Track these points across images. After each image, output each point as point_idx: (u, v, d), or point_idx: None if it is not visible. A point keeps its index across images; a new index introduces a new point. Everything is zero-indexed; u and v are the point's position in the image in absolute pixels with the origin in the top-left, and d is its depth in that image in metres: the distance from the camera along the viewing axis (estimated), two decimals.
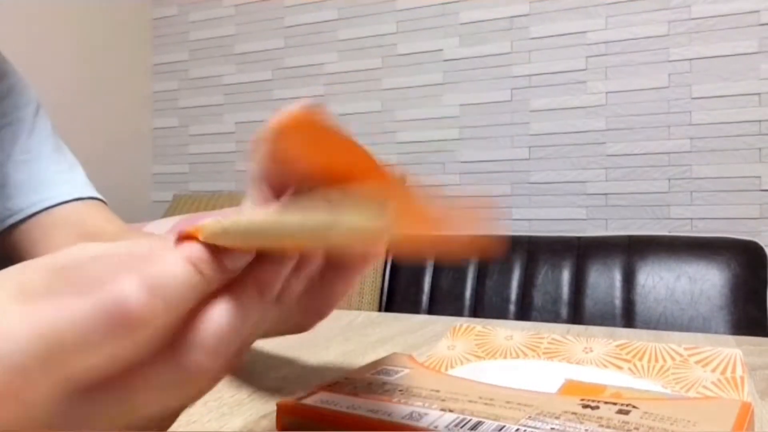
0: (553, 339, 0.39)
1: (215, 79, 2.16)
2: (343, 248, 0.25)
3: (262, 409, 0.32)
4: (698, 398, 0.29)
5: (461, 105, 1.80)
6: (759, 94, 1.52)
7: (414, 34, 1.87)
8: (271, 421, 0.30)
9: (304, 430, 0.27)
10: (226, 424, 0.29)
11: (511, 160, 1.75)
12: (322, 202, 0.20)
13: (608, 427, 0.24)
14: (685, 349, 0.35)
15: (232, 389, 0.35)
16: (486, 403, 0.27)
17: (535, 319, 1.45)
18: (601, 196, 1.66)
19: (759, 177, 1.52)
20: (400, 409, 0.26)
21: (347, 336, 0.53)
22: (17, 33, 1.81)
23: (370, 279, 1.59)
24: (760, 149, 1.52)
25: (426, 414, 0.25)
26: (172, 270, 0.18)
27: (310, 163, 0.24)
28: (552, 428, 0.23)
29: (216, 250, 0.19)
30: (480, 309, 1.51)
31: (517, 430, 0.23)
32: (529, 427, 0.24)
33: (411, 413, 0.26)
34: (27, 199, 0.58)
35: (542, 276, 1.49)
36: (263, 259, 0.20)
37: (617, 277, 1.43)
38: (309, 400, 0.27)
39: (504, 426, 0.24)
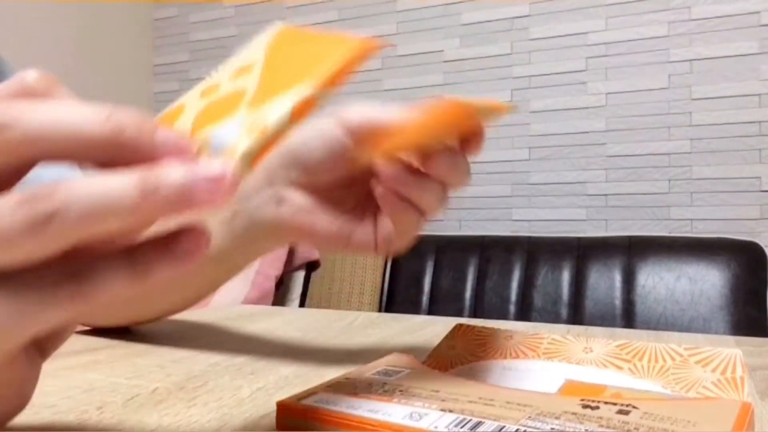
0: (553, 339, 0.39)
1: None
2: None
3: (262, 409, 0.32)
4: (698, 398, 0.29)
5: None
6: (759, 95, 1.52)
7: (415, 35, 1.87)
8: (271, 421, 0.30)
9: (304, 430, 0.27)
10: (226, 424, 0.29)
11: (512, 160, 1.75)
12: None
13: (608, 427, 0.24)
14: (685, 349, 0.35)
15: (232, 389, 0.35)
16: (486, 404, 0.27)
17: (535, 320, 1.45)
18: (602, 196, 1.66)
19: (759, 178, 1.52)
20: (400, 409, 0.26)
21: (347, 336, 0.53)
22: (17, 34, 1.81)
23: (370, 279, 1.59)
24: (760, 150, 1.52)
25: (426, 414, 0.25)
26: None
27: None
28: (552, 428, 0.23)
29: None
30: (480, 309, 1.51)
31: (517, 430, 0.23)
32: (529, 427, 0.24)
33: (411, 413, 0.26)
34: None
35: (542, 276, 1.49)
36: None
37: (617, 277, 1.43)
38: (309, 400, 0.27)
39: (504, 426, 0.24)
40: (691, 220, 1.57)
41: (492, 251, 1.57)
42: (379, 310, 1.61)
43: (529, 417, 0.25)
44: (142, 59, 2.24)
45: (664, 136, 1.60)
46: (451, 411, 0.26)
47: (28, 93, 0.20)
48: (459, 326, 0.43)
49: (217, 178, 0.18)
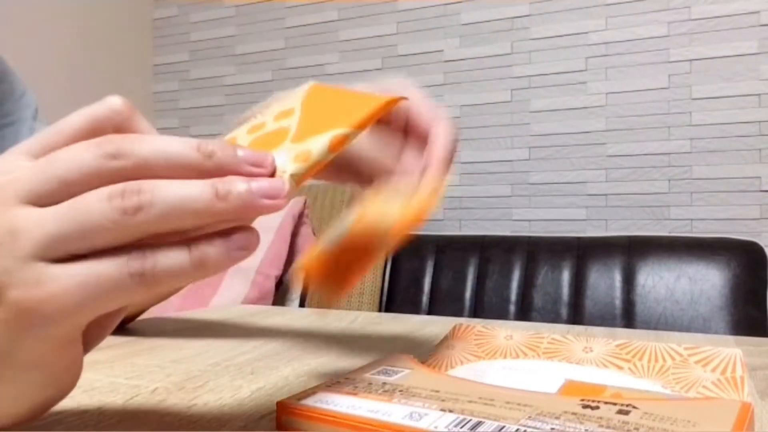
0: (553, 339, 0.39)
1: (216, 80, 2.16)
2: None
3: (262, 409, 0.32)
4: (698, 398, 0.29)
5: (462, 106, 1.80)
6: (759, 94, 1.52)
7: (414, 35, 1.87)
8: (271, 421, 0.30)
9: (304, 430, 0.27)
10: (226, 424, 0.29)
11: (512, 160, 1.75)
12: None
13: (608, 427, 0.24)
14: (685, 348, 0.35)
15: (232, 389, 0.35)
16: (486, 404, 0.27)
17: (535, 320, 1.45)
18: (601, 196, 1.66)
19: (759, 177, 1.52)
20: (400, 409, 0.26)
21: (347, 336, 0.53)
22: (17, 34, 1.81)
23: (370, 279, 1.59)
24: (760, 150, 1.52)
25: (426, 414, 0.25)
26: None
27: None
28: (552, 428, 0.23)
29: None
30: (480, 309, 1.51)
31: (517, 430, 0.23)
32: (529, 427, 0.24)
33: (411, 413, 0.26)
34: None
35: (542, 276, 1.49)
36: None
37: (617, 277, 1.43)
38: (309, 400, 0.27)
39: (504, 426, 0.24)
40: (691, 220, 1.57)
41: (492, 251, 1.57)
42: (379, 310, 1.61)
43: (529, 417, 0.25)
44: (142, 59, 2.24)
45: (664, 136, 1.60)
46: (451, 411, 0.26)
47: (114, 116, 0.25)
48: (459, 326, 0.43)
49: (276, 190, 0.22)
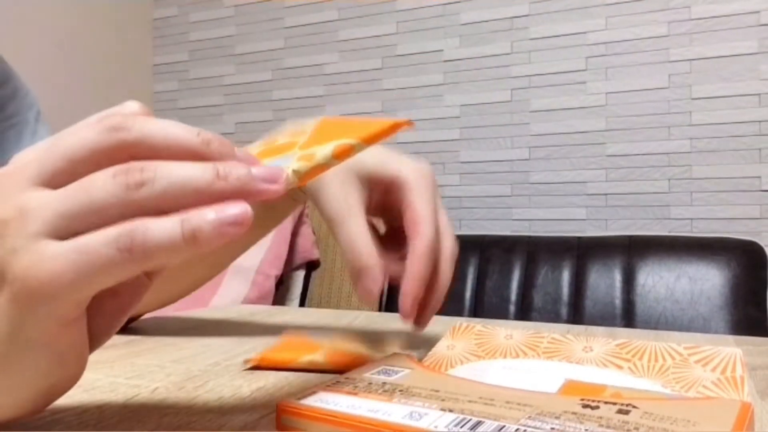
0: (553, 338, 0.39)
1: (215, 79, 2.16)
2: None
3: (262, 409, 0.32)
4: (698, 398, 0.29)
5: (461, 105, 1.80)
6: (759, 94, 1.52)
7: (414, 35, 1.87)
8: (271, 421, 0.30)
9: (304, 430, 0.27)
10: (226, 423, 0.29)
11: (511, 160, 1.75)
12: None
13: (608, 427, 0.24)
14: (685, 348, 0.35)
15: (232, 389, 0.35)
16: (486, 403, 0.27)
17: (535, 320, 1.45)
18: (601, 196, 1.66)
19: (759, 177, 1.52)
20: (400, 409, 0.26)
21: (347, 336, 0.53)
22: (17, 34, 1.81)
23: None
24: (760, 150, 1.52)
25: (426, 414, 0.25)
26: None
27: None
28: (552, 428, 0.23)
29: None
30: (480, 309, 1.51)
31: (517, 430, 0.23)
32: (529, 427, 0.24)
33: (411, 413, 0.26)
34: None
35: (542, 276, 1.49)
36: None
37: (617, 277, 1.43)
38: (309, 400, 0.27)
39: (504, 426, 0.24)
40: (691, 219, 1.57)
41: (492, 251, 1.57)
42: (379, 310, 1.61)
43: (529, 417, 0.25)
44: (142, 59, 2.24)
45: (663, 136, 1.60)
46: (451, 411, 0.26)
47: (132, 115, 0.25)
48: (458, 326, 0.43)
49: (275, 176, 0.23)
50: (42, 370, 0.24)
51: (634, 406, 0.26)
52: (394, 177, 0.41)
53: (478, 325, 0.43)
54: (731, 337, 0.53)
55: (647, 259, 1.42)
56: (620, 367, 0.35)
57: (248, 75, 2.11)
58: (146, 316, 0.63)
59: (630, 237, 1.49)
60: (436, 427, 0.24)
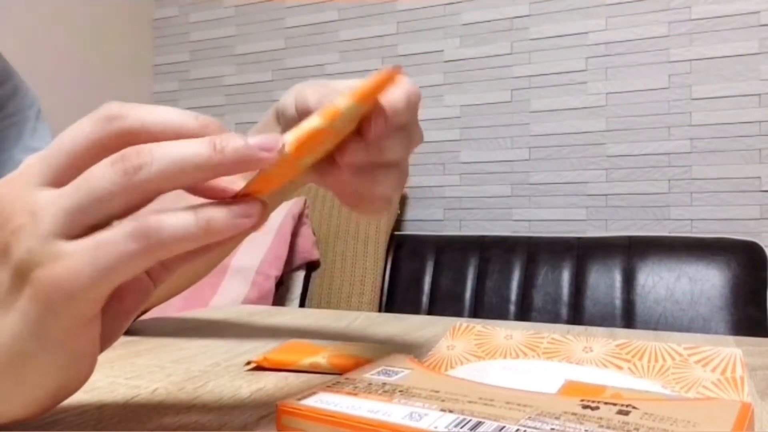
0: (552, 338, 0.39)
1: (216, 80, 2.16)
2: None
3: (262, 409, 0.32)
4: (698, 399, 0.29)
5: (462, 106, 1.80)
6: (759, 94, 1.52)
7: (414, 35, 1.87)
8: (271, 421, 0.30)
9: (304, 430, 0.27)
10: (226, 424, 0.29)
11: (512, 160, 1.75)
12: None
13: (608, 427, 0.24)
14: (685, 348, 0.35)
15: (232, 389, 0.35)
16: (486, 404, 0.27)
17: (535, 320, 1.45)
18: (602, 196, 1.66)
19: (759, 178, 1.52)
20: (400, 409, 0.26)
21: (348, 336, 0.53)
22: (18, 34, 1.81)
23: (370, 279, 1.59)
24: (760, 150, 1.52)
25: (426, 414, 0.25)
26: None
27: None
28: (552, 429, 0.23)
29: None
30: (480, 309, 1.51)
31: (517, 430, 0.23)
32: (529, 427, 0.24)
33: (411, 413, 0.26)
34: None
35: (542, 276, 1.49)
36: None
37: (617, 277, 1.43)
38: (309, 400, 0.27)
39: (504, 426, 0.24)
40: (691, 220, 1.57)
41: (492, 251, 1.57)
42: (379, 310, 1.61)
43: (529, 417, 0.25)
44: (142, 59, 2.24)
45: (664, 136, 1.60)
46: (451, 411, 0.26)
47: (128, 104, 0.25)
48: (458, 326, 0.43)
49: (272, 143, 0.23)
50: (55, 370, 0.24)
51: (634, 407, 0.26)
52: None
53: (478, 325, 0.43)
54: (731, 338, 0.53)
55: (647, 260, 1.42)
56: (620, 368, 0.35)
57: (249, 75, 2.11)
58: (146, 316, 0.63)
59: (630, 237, 1.49)
60: (436, 427, 0.24)
